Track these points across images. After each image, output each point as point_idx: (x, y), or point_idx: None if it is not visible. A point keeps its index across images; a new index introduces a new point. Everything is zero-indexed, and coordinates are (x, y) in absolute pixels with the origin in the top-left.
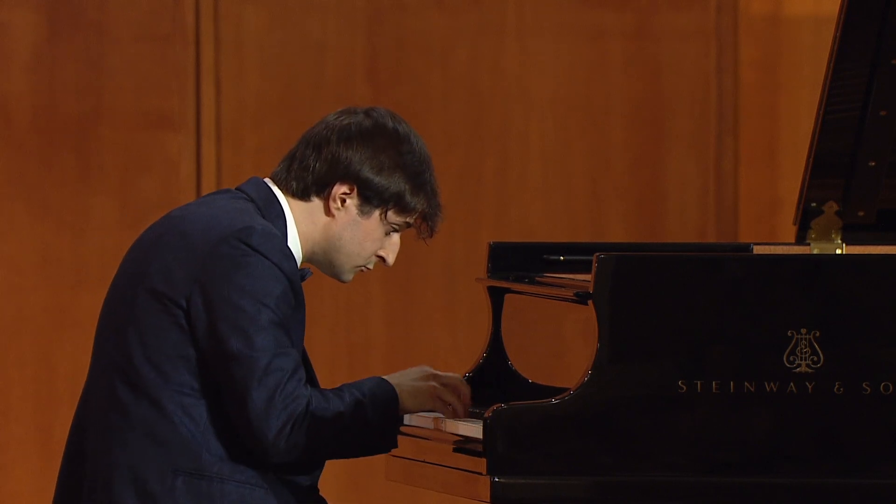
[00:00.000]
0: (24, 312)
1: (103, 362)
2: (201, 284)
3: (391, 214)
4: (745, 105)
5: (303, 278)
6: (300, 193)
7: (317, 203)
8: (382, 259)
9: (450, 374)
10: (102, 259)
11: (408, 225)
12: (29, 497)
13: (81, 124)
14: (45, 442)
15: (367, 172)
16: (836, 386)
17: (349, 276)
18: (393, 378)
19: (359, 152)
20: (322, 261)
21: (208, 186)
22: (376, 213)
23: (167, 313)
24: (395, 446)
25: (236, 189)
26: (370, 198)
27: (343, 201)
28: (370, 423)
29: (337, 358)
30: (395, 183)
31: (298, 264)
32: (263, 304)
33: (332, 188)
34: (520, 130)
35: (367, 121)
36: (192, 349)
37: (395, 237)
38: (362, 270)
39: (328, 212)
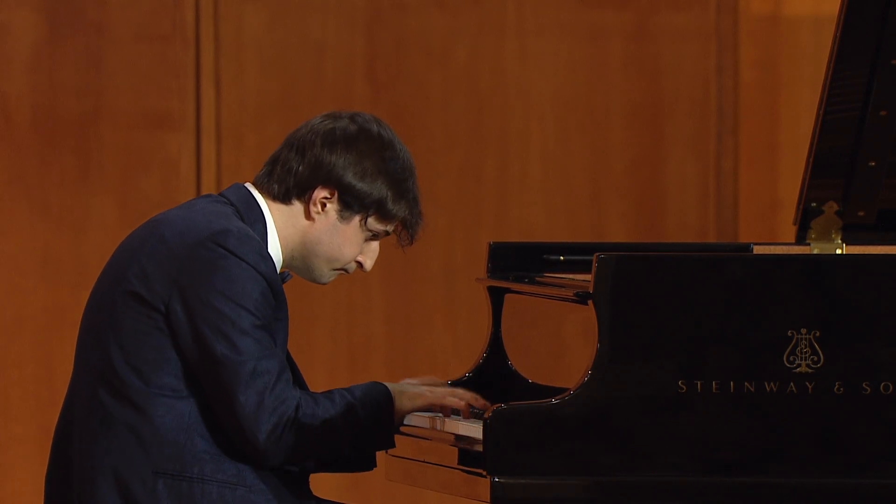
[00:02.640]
0: (24, 312)
1: (85, 368)
2: (179, 288)
3: (371, 221)
4: (745, 105)
5: (283, 281)
6: (281, 196)
7: (297, 206)
8: (360, 265)
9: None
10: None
11: (387, 233)
12: (29, 497)
13: (81, 124)
14: (45, 442)
15: (350, 178)
16: (836, 386)
17: (327, 280)
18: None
19: (342, 157)
20: (300, 265)
21: (208, 186)
22: (356, 218)
23: (146, 317)
24: (392, 446)
25: (218, 194)
26: (351, 203)
27: (323, 206)
28: (362, 422)
29: (337, 358)
30: (376, 189)
31: (279, 268)
32: (243, 308)
33: (312, 192)
34: (520, 130)
35: (352, 126)
36: (172, 352)
37: (374, 244)
38: (341, 273)
39: (308, 215)
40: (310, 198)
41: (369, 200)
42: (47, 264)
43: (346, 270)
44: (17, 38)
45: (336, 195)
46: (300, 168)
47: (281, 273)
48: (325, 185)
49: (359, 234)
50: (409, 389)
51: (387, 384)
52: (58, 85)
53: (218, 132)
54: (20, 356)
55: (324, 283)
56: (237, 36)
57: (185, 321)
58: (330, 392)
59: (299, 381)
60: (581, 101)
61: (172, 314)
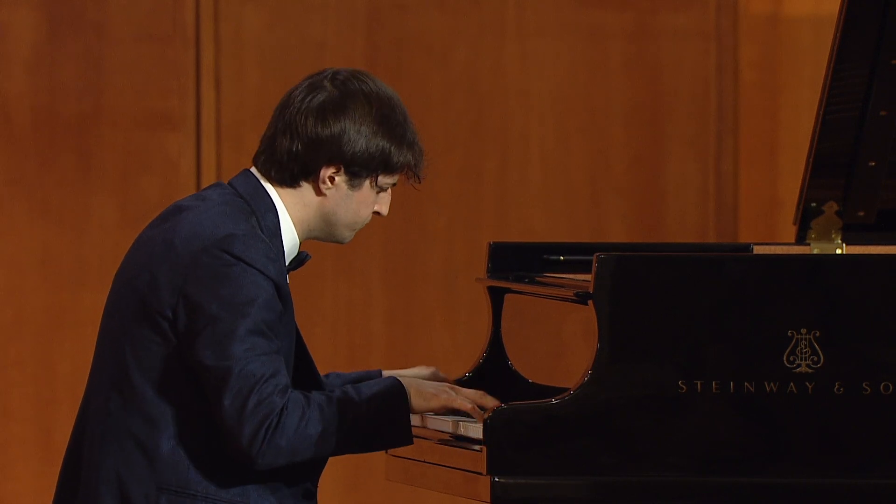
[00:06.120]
0: (24, 313)
1: (100, 372)
2: (185, 296)
3: (381, 178)
4: (745, 105)
5: (302, 262)
6: (288, 181)
7: (306, 186)
8: (377, 213)
9: (471, 391)
10: (102, 259)
11: (395, 183)
12: (29, 497)
13: (81, 124)
14: (45, 442)
15: (350, 148)
16: (836, 386)
17: (348, 239)
18: (405, 378)
19: (337, 128)
20: (320, 235)
21: None
22: (366, 182)
23: (156, 325)
24: (410, 442)
25: (228, 183)
26: (358, 171)
27: (332, 180)
28: (367, 419)
29: (337, 358)
30: (378, 148)
31: (297, 248)
32: (243, 314)
33: (318, 172)
34: (520, 130)
35: (335, 92)
36: (180, 361)
37: (389, 190)
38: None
39: (318, 192)
40: (317, 177)
41: (374, 162)
42: (47, 264)
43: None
44: (17, 38)
45: (342, 168)
46: (299, 152)
47: (299, 254)
48: (330, 163)
49: (371, 193)
50: (426, 388)
51: (402, 379)
52: (58, 85)
53: (218, 132)
54: (20, 356)
55: (345, 242)
56: (237, 36)
57: (187, 329)
58: (332, 390)
59: (313, 378)
60: (581, 101)
61: (178, 322)
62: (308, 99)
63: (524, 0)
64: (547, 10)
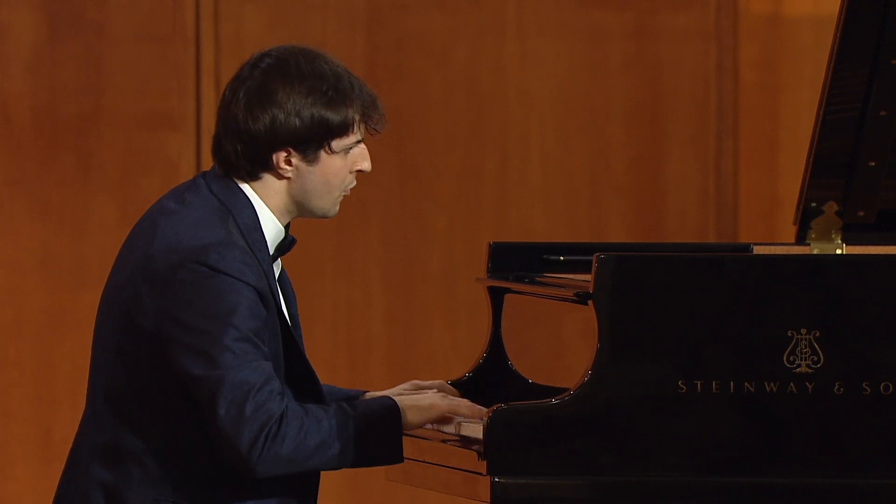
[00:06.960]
0: (24, 312)
1: (95, 381)
2: (167, 312)
3: (335, 144)
4: (745, 105)
5: (289, 248)
6: (248, 177)
7: (267, 176)
8: (360, 170)
9: (461, 400)
10: (102, 259)
11: (358, 141)
12: (29, 497)
13: (81, 124)
14: (45, 442)
15: (289, 131)
16: (836, 386)
17: (335, 211)
18: (397, 395)
19: (266, 119)
20: (304, 213)
21: None
22: (321, 153)
23: (143, 340)
24: (400, 461)
25: (205, 181)
26: (307, 147)
27: (288, 163)
28: (359, 436)
29: (337, 358)
30: (317, 120)
31: (282, 235)
32: (227, 324)
33: (270, 161)
34: (520, 130)
35: (258, 80)
36: (170, 375)
37: (357, 149)
38: (345, 194)
39: (280, 177)
40: (272, 166)
41: (320, 133)
42: (47, 264)
43: (346, 191)
44: (17, 38)
45: (291, 150)
46: (243, 150)
47: (286, 238)
48: (276, 150)
49: (334, 161)
50: (422, 401)
51: (397, 398)
52: (58, 85)
53: None
54: (20, 356)
55: (334, 215)
56: (237, 36)
57: (173, 343)
58: (328, 404)
59: (311, 381)
60: (581, 101)
61: (163, 336)
62: (235, 96)
63: (524, 0)
64: (547, 10)
